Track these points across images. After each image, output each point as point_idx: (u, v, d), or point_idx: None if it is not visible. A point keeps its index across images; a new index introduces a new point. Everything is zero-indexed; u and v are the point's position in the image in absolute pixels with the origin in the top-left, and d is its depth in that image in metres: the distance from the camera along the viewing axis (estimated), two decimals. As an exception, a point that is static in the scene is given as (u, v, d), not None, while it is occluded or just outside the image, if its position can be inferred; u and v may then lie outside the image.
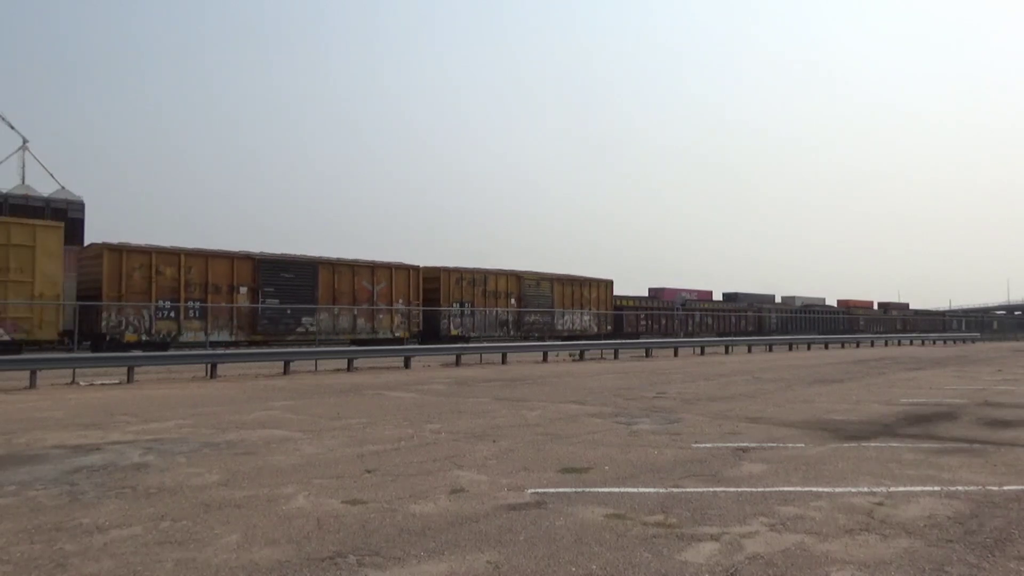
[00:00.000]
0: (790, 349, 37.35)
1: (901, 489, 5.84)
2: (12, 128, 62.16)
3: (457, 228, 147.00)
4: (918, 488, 5.88)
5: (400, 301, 29.45)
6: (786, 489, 5.82)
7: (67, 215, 37.79)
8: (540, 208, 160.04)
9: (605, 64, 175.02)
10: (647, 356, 29.30)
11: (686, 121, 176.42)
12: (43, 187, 47.32)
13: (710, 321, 47.89)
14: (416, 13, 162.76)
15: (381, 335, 28.54)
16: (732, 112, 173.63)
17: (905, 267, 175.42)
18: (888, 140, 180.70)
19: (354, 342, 26.94)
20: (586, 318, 38.00)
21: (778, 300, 58.56)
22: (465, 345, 25.66)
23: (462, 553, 4.23)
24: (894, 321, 65.38)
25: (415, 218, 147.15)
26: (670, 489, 5.80)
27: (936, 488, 5.88)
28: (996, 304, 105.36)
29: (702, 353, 32.03)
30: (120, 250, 22.75)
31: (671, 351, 31.19)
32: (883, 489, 5.83)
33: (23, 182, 53.41)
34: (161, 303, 23.21)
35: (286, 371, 19.07)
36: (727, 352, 33.36)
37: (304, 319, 26.57)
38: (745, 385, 15.65)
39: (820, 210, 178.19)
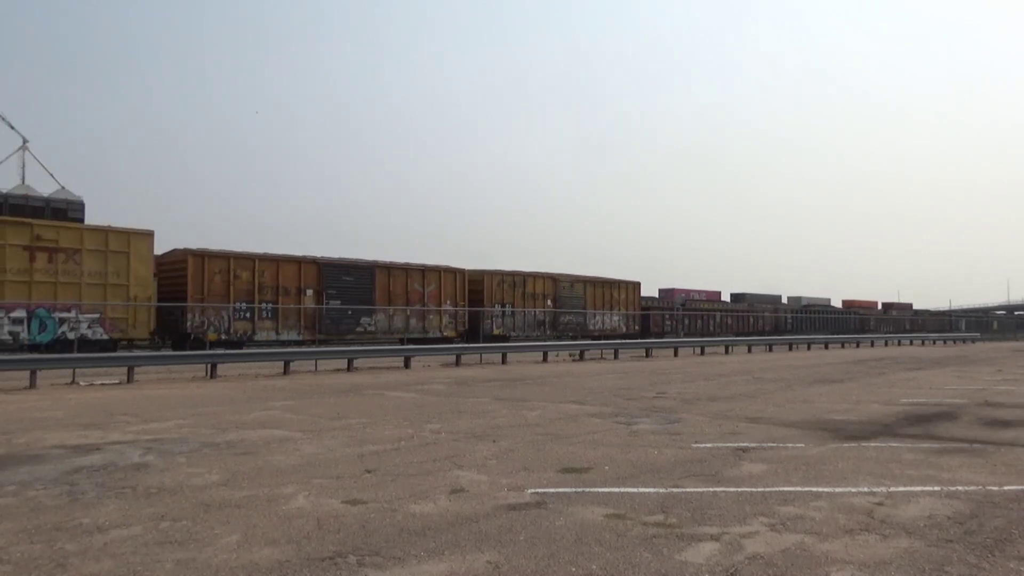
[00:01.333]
0: (790, 349, 37.34)
1: (901, 489, 5.84)
2: (12, 128, 62.13)
3: (456, 228, 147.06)
4: (918, 488, 5.88)
5: (448, 302, 31.17)
6: (786, 489, 5.82)
7: (67, 215, 37.79)
8: (540, 208, 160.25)
9: (607, 64, 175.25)
10: (647, 356, 29.30)
11: (688, 122, 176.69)
12: (43, 187, 47.32)
13: (730, 321, 48.85)
14: (416, 13, 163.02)
15: (431, 334, 30.18)
16: (731, 113, 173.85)
17: (905, 267, 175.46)
18: (888, 140, 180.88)
19: (407, 341, 28.56)
20: (616, 318, 39.41)
21: (784, 301, 58.54)
22: (465, 345, 25.75)
23: (462, 553, 4.23)
24: (903, 321, 66.21)
25: (413, 218, 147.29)
26: (670, 489, 5.80)
27: (936, 488, 5.88)
28: (996, 304, 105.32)
29: (702, 353, 32.02)
30: (202, 255, 24.36)
31: (671, 351, 31.20)
32: (883, 489, 5.83)
33: (23, 182, 53.37)
34: (238, 305, 24.81)
35: (286, 371, 19.06)
36: (727, 352, 33.35)
37: (363, 319, 28.32)
38: (745, 385, 15.65)
39: (821, 210, 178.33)
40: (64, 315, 21.18)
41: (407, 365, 21.56)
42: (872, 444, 8.05)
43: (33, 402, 12.29)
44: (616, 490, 5.79)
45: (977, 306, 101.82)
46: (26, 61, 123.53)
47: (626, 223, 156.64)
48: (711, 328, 46.51)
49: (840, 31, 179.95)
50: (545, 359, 25.56)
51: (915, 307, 74.18)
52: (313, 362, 20.74)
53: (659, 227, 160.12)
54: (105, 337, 21.84)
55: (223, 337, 24.22)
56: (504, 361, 23.97)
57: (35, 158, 61.30)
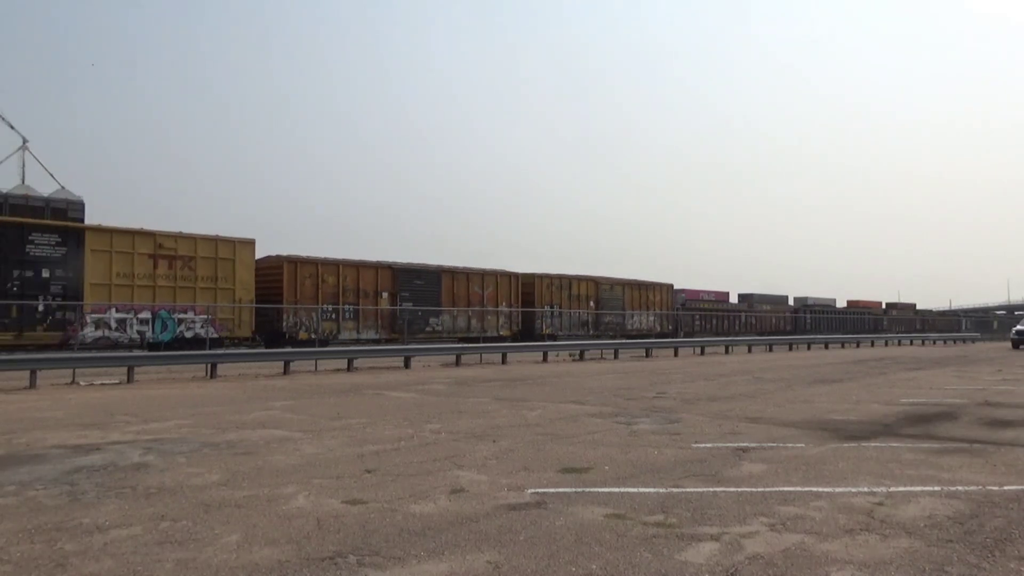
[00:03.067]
0: (790, 349, 37.35)
1: (901, 489, 5.84)
2: (12, 128, 62.11)
3: (455, 227, 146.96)
4: (918, 488, 5.88)
5: (504, 304, 33.54)
6: (786, 489, 5.82)
7: (67, 215, 37.78)
8: (542, 208, 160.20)
9: (608, 65, 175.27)
10: (647, 356, 29.30)
11: (689, 122, 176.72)
12: (43, 187, 47.32)
13: (753, 321, 50.37)
14: (416, 13, 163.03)
15: (489, 333, 32.21)
16: (732, 113, 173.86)
17: (906, 267, 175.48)
18: (887, 140, 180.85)
19: (468, 339, 30.15)
20: (651, 318, 41.57)
21: (791, 302, 59.02)
22: (465, 345, 25.83)
23: (462, 553, 4.23)
24: (914, 321, 67.56)
25: (412, 216, 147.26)
26: (670, 489, 5.80)
27: (936, 488, 5.88)
28: (996, 304, 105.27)
29: (702, 353, 32.03)
30: (295, 262, 26.76)
31: (671, 351, 31.20)
32: (883, 489, 5.83)
33: (23, 182, 53.32)
34: (325, 307, 27.03)
35: (286, 371, 19.06)
36: (727, 352, 33.35)
37: (431, 319, 30.67)
38: (745, 385, 15.65)
39: (822, 211, 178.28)
40: (182, 316, 23.71)
41: (407, 365, 21.56)
42: (872, 444, 8.05)
43: (33, 402, 12.29)
44: (616, 490, 5.79)
45: (977, 306, 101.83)
46: (26, 61, 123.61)
47: (629, 224, 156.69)
48: (736, 328, 48.06)
49: (842, 31, 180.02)
50: (545, 359, 25.55)
51: (918, 307, 74.40)
52: (313, 362, 20.74)
53: (664, 228, 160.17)
54: (215, 336, 23.86)
55: (312, 336, 26.19)
56: (504, 361, 23.98)
57: (35, 158, 61.27)
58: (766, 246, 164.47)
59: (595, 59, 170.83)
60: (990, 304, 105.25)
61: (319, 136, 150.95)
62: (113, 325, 22.39)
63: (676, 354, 30.50)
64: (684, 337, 41.36)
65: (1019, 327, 38.23)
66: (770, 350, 36.13)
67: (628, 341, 32.93)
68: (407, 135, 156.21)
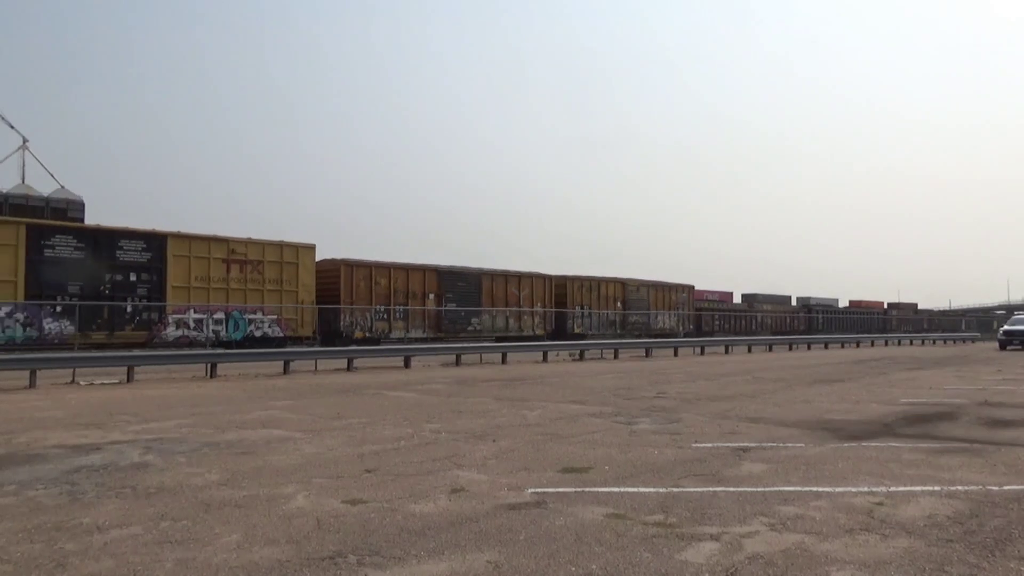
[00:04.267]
0: (790, 349, 37.35)
1: (901, 489, 5.84)
2: (12, 128, 62.09)
3: (452, 227, 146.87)
4: (918, 488, 5.88)
5: (538, 305, 35.37)
6: (786, 489, 5.82)
7: (67, 215, 37.78)
8: (542, 209, 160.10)
9: (613, 64, 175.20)
10: (647, 356, 29.30)
11: (689, 123, 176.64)
12: (43, 187, 47.31)
13: (769, 321, 51.90)
14: (415, 12, 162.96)
15: (525, 332, 34.22)
16: (733, 114, 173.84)
17: (906, 267, 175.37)
18: (887, 140, 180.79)
19: (505, 338, 32.05)
20: (673, 319, 43.27)
21: (794, 302, 59.43)
22: (465, 345, 25.87)
23: (462, 553, 4.23)
24: (920, 321, 68.87)
25: (409, 215, 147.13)
26: (670, 489, 5.80)
27: (936, 488, 5.88)
28: (996, 304, 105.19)
29: (702, 353, 32.03)
30: (351, 265, 28.52)
31: (671, 351, 31.20)
32: (883, 489, 5.83)
33: (23, 181, 53.29)
34: (377, 307, 28.88)
35: (286, 371, 19.06)
36: (727, 352, 33.35)
37: (473, 319, 32.45)
38: (745, 385, 15.66)
39: (822, 211, 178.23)
40: (252, 316, 25.54)
41: (407, 365, 21.55)
42: (872, 444, 8.05)
43: (33, 402, 12.29)
44: (616, 490, 5.79)
45: (977, 306, 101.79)
46: (26, 61, 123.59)
47: (630, 224, 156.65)
48: (753, 327, 49.41)
49: (842, 31, 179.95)
50: (545, 359, 25.55)
51: (919, 307, 74.65)
52: (313, 362, 20.72)
53: (665, 229, 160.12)
54: (281, 335, 26.07)
55: (367, 335, 28.24)
56: (504, 361, 23.97)
57: (35, 158, 61.24)
58: (767, 246, 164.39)
59: (597, 58, 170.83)
60: (990, 304, 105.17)
61: (318, 135, 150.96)
62: (192, 325, 24.24)
63: (676, 354, 30.49)
64: (703, 337, 42.15)
65: (1006, 327, 36.73)
66: (770, 350, 36.14)
67: (651, 340, 33.98)
68: (406, 135, 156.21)
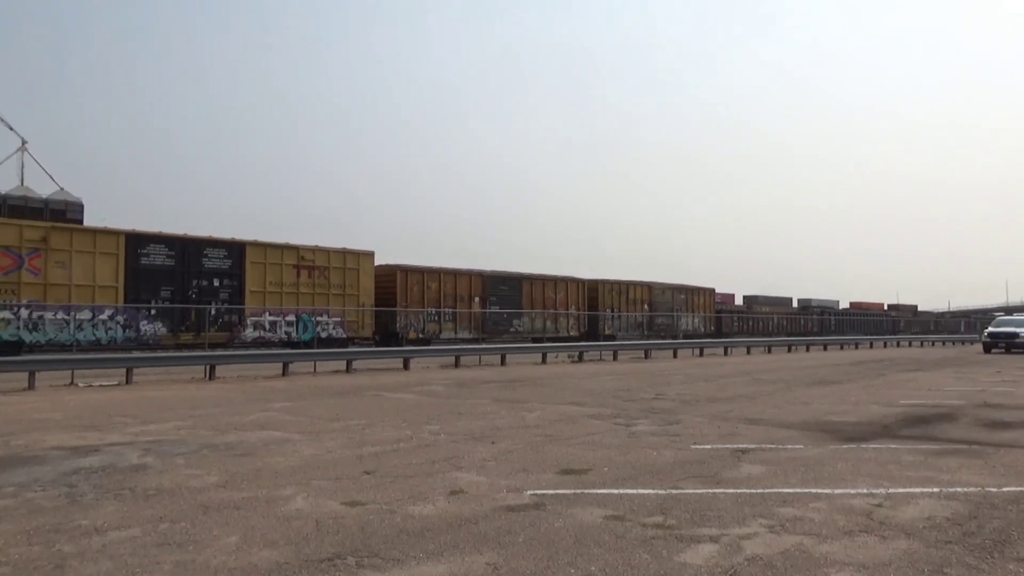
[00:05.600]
0: (789, 351, 37.35)
1: (900, 490, 5.84)
2: (11, 129, 62.06)
3: (451, 226, 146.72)
4: (917, 489, 5.88)
5: (572, 308, 37.38)
6: (785, 490, 5.82)
7: (65, 216, 37.73)
8: (543, 210, 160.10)
9: (615, 68, 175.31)
10: (646, 357, 29.29)
11: (690, 123, 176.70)
12: (42, 188, 47.30)
13: (785, 323, 53.61)
14: (415, 13, 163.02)
15: (561, 334, 35.97)
16: (733, 114, 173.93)
17: (904, 268, 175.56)
18: (887, 141, 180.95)
19: (542, 339, 33.70)
20: (696, 320, 45.03)
21: (795, 304, 59.77)
22: (464, 346, 25.87)
23: (461, 555, 4.23)
24: (928, 323, 69.96)
25: (407, 214, 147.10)
26: (669, 490, 5.80)
27: (935, 489, 5.88)
28: (995, 305, 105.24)
29: (701, 354, 32.03)
30: (406, 270, 30.58)
31: (670, 352, 31.19)
32: (882, 490, 5.83)
33: (22, 183, 53.24)
34: (429, 310, 30.78)
35: (285, 372, 19.01)
36: (726, 353, 33.35)
37: (514, 321, 34.50)
38: (744, 386, 15.65)
39: (822, 212, 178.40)
40: (319, 319, 27.33)
41: (406, 366, 21.52)
42: (871, 445, 8.05)
43: (32, 403, 12.27)
44: (615, 491, 5.78)
45: (976, 307, 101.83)
46: (26, 62, 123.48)
47: (630, 224, 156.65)
48: (769, 329, 51.08)
49: (842, 32, 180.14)
50: (544, 360, 25.52)
51: (919, 308, 75.04)
52: (312, 363, 20.68)
53: (665, 228, 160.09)
54: (344, 336, 27.81)
55: (420, 336, 30.16)
56: (503, 362, 23.95)
57: (34, 159, 61.24)
58: (766, 248, 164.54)
59: (598, 60, 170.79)
60: (989, 305, 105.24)
61: (317, 136, 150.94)
62: (267, 327, 26.26)
63: (675, 355, 30.48)
64: (723, 338, 42.95)
65: (990, 329, 34.44)
66: (769, 351, 36.14)
67: (679, 342, 35.21)
68: (406, 134, 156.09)
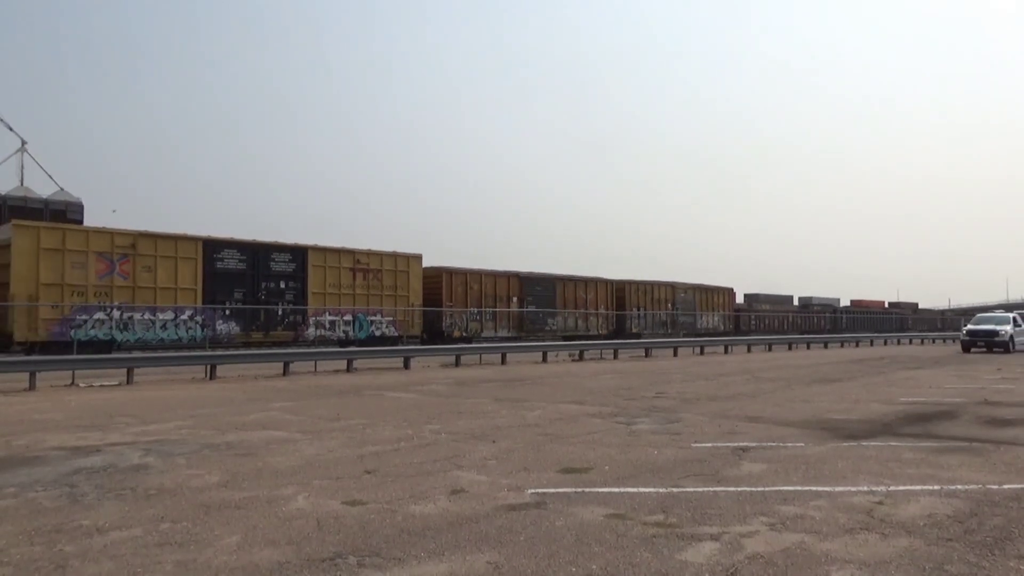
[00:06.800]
0: (790, 349, 37.35)
1: (901, 488, 5.84)
2: (11, 130, 62.09)
3: (449, 226, 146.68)
4: (918, 487, 5.88)
5: (601, 307, 39.01)
6: (786, 488, 5.82)
7: (65, 216, 37.76)
8: (543, 209, 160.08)
9: (611, 64, 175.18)
10: (647, 356, 29.29)
11: (690, 123, 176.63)
12: (42, 188, 47.31)
13: (799, 321, 54.90)
14: (415, 12, 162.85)
15: (591, 332, 37.55)
16: (733, 113, 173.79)
17: (904, 266, 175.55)
18: (887, 140, 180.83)
19: (575, 337, 35.36)
20: (716, 319, 46.65)
21: (795, 302, 59.91)
22: (465, 346, 25.88)
23: (462, 554, 4.23)
24: (935, 321, 70.83)
25: (405, 214, 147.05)
26: (670, 489, 5.80)
27: (936, 487, 5.88)
28: (995, 303, 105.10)
29: (702, 353, 32.03)
30: (451, 272, 32.34)
31: (671, 351, 31.19)
32: (883, 488, 5.83)
33: (22, 183, 53.25)
34: (472, 310, 32.49)
35: (285, 372, 19.02)
36: (726, 352, 33.35)
37: (549, 320, 36.13)
38: (745, 385, 15.65)
39: (821, 211, 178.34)
40: (373, 318, 29.26)
41: (406, 366, 21.52)
42: (872, 443, 8.05)
43: (33, 404, 12.28)
44: (616, 490, 5.79)
45: (977, 305, 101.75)
46: (26, 61, 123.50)
47: (630, 224, 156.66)
48: (785, 327, 52.22)
49: (842, 31, 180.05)
50: (544, 359, 25.52)
51: (920, 306, 75.22)
52: (312, 363, 20.68)
53: (666, 228, 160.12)
54: (396, 334, 29.64)
55: (464, 334, 31.55)
56: (504, 362, 23.94)
57: (34, 160, 61.26)
58: (766, 246, 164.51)
59: (599, 57, 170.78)
60: (989, 303, 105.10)
61: (316, 136, 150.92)
62: (327, 326, 27.93)
63: (675, 354, 30.48)
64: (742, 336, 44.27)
65: (970, 327, 32.29)
66: (769, 350, 36.15)
67: (697, 339, 36.52)
68: (405, 134, 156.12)
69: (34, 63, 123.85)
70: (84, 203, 42.29)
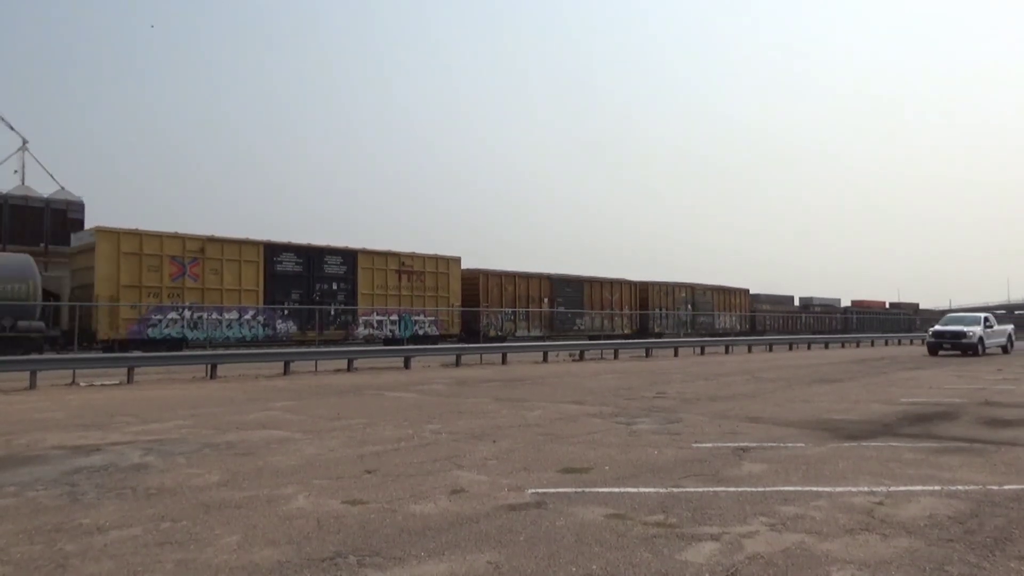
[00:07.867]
0: (790, 349, 37.35)
1: (901, 488, 5.84)
2: (12, 129, 62.07)
3: (449, 225, 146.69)
4: (918, 487, 5.88)
5: (626, 308, 40.75)
6: (786, 489, 5.82)
7: (66, 216, 37.73)
8: (543, 209, 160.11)
9: (609, 65, 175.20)
10: (647, 356, 29.29)
11: (690, 123, 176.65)
12: (43, 188, 47.29)
13: (812, 321, 55.99)
14: (415, 12, 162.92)
15: (616, 332, 39.25)
16: (734, 113, 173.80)
17: (905, 267, 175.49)
18: (886, 140, 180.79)
19: (601, 336, 37.09)
20: (732, 319, 48.14)
21: (796, 302, 60.06)
22: (465, 345, 25.88)
23: (462, 553, 4.23)
24: (935, 322, 70.65)
25: (406, 213, 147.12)
26: (670, 489, 5.80)
27: (936, 487, 5.88)
28: (996, 303, 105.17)
29: (702, 353, 32.03)
30: (487, 274, 33.99)
31: (671, 351, 31.19)
32: (883, 488, 5.83)
33: (23, 183, 53.24)
34: (506, 310, 34.11)
35: (286, 372, 19.04)
36: (727, 352, 33.35)
37: (577, 320, 37.68)
38: (745, 385, 15.65)
39: (821, 210, 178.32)
40: (417, 318, 30.81)
41: (407, 365, 21.53)
42: (872, 443, 8.04)
43: (33, 403, 12.29)
44: (616, 490, 5.78)
45: (977, 305, 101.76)
46: (26, 61, 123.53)
47: (631, 224, 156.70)
48: (798, 327, 53.62)
49: (843, 31, 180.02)
50: (545, 359, 25.53)
51: (920, 306, 75.26)
52: (313, 362, 20.69)
53: (666, 228, 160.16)
54: (437, 333, 31.26)
55: (498, 333, 33.08)
56: (504, 361, 23.95)
57: (35, 159, 61.21)
58: (766, 246, 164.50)
59: (595, 59, 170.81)
60: (990, 303, 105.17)
61: (317, 135, 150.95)
62: (375, 325, 29.51)
63: (676, 354, 30.48)
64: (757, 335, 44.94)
65: (936, 327, 30.04)
66: (770, 350, 36.14)
67: (697, 339, 37.19)
68: (405, 134, 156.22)
69: (35, 62, 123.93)
70: (85, 202, 42.32)
